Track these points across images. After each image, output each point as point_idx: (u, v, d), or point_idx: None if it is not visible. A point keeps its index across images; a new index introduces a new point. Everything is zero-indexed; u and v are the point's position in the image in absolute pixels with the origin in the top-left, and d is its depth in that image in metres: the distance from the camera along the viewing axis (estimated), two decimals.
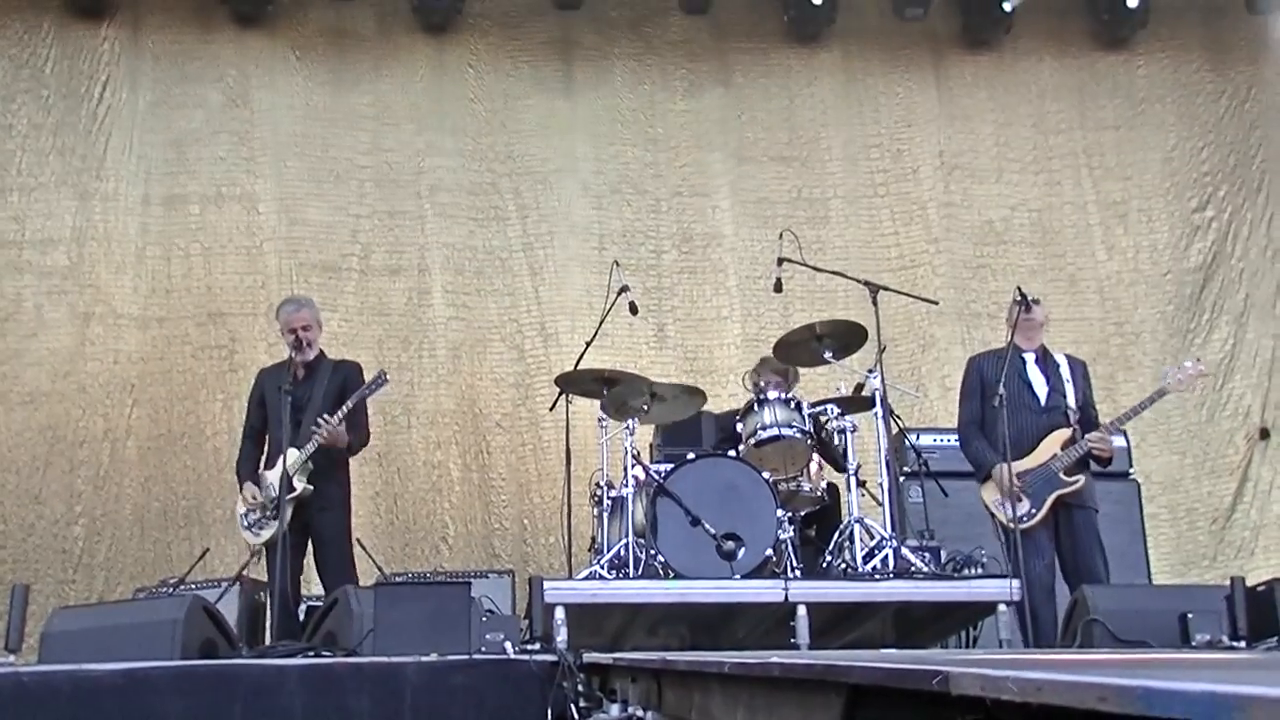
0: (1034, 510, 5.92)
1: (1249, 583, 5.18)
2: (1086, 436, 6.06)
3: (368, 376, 6.38)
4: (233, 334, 8.70)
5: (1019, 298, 6.20)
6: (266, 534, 6.19)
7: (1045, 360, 6.29)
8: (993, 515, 5.98)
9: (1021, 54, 9.81)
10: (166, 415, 8.53)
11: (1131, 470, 7.44)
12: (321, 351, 6.49)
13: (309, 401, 6.19)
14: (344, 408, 6.12)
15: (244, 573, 6.69)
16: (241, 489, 6.33)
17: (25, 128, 8.81)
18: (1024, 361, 6.24)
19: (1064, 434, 6.07)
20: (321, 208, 9.04)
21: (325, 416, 6.07)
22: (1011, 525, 5.83)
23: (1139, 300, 9.43)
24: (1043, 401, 6.16)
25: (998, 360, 6.10)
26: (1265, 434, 9.05)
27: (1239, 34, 9.82)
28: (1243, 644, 4.90)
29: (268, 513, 6.16)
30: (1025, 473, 5.95)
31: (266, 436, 6.44)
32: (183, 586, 6.81)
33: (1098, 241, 9.56)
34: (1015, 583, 5.53)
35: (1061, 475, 5.97)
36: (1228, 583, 5.25)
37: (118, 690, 3.99)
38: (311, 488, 6.10)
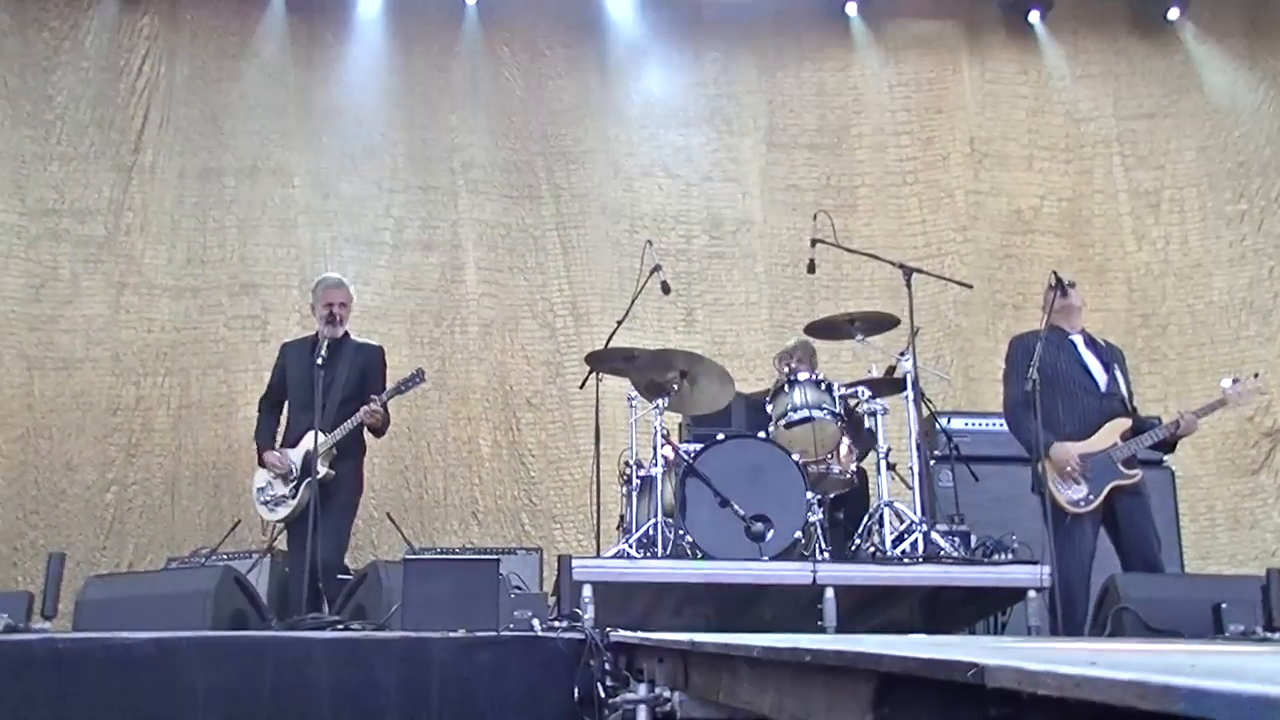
0: (1091, 496, 5.80)
1: None
2: (1181, 415, 6.00)
3: (389, 346, 6.57)
4: (265, 305, 8.76)
5: (1054, 282, 6.10)
6: (282, 512, 6.28)
7: (1094, 344, 6.19)
8: (1049, 494, 5.83)
9: (1057, 38, 9.69)
10: (199, 385, 8.60)
11: (1165, 459, 7.35)
12: (347, 332, 6.55)
13: (331, 383, 6.24)
14: (386, 394, 6.26)
15: (274, 545, 6.75)
16: (263, 457, 6.40)
17: (65, 99, 8.88)
18: (1074, 345, 6.13)
19: (1124, 424, 5.96)
20: (355, 182, 9.07)
21: (374, 400, 6.20)
22: (1069, 507, 5.75)
23: (1167, 293, 9.29)
24: (1103, 387, 6.04)
25: (1042, 341, 5.93)
26: None
27: (1277, 22, 9.59)
28: (1278, 635, 4.84)
29: (288, 488, 6.22)
30: (1085, 456, 5.83)
31: (283, 410, 6.55)
32: (214, 557, 6.88)
33: (1127, 231, 9.43)
34: (1045, 569, 5.46)
35: (1121, 466, 5.85)
36: (1262, 573, 5.19)
37: (149, 659, 4.02)
38: (334, 472, 6.17)
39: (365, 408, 6.18)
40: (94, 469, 8.36)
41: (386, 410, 6.44)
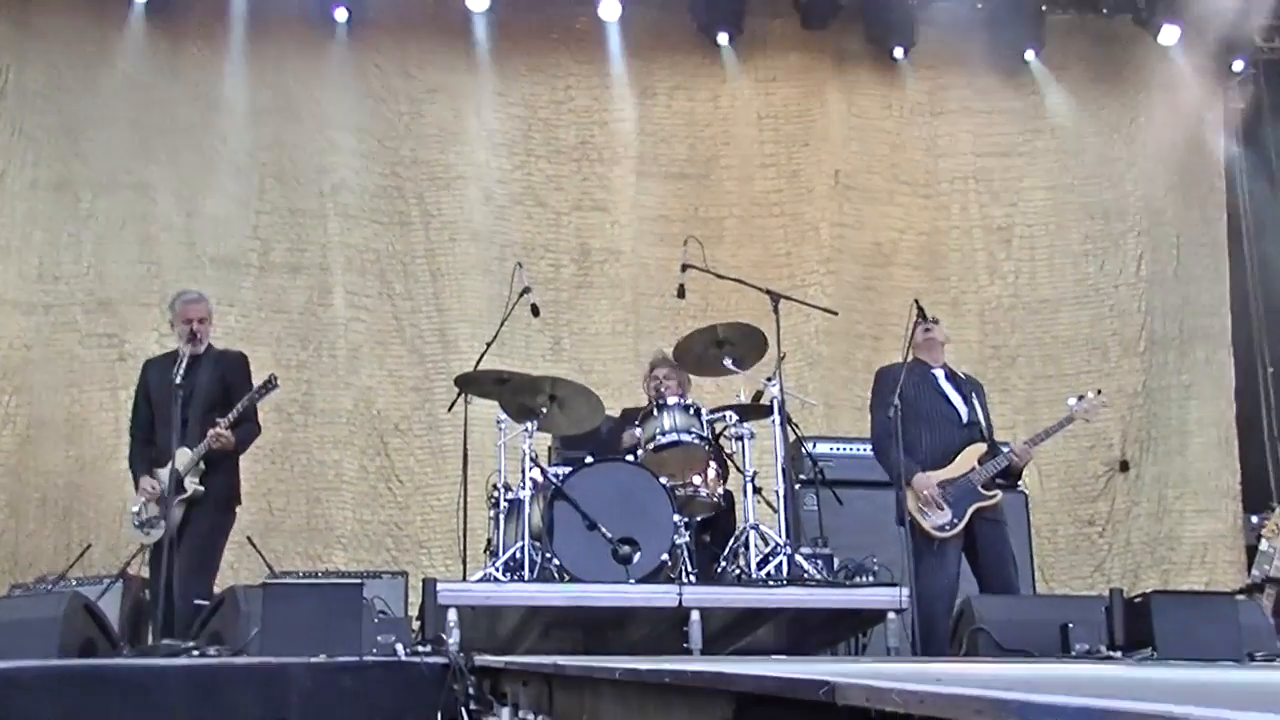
0: (955, 520, 6.02)
1: None
2: (1012, 448, 6.24)
3: (254, 368, 6.30)
4: (122, 322, 8.51)
5: (917, 311, 6.31)
6: (155, 534, 6.06)
7: (954, 377, 6.44)
8: (913, 522, 6.02)
9: (919, 75, 9.95)
10: (49, 403, 8.32)
11: (1020, 483, 7.60)
12: (210, 344, 6.38)
13: (193, 394, 6.05)
14: (233, 413, 6.03)
15: (127, 569, 6.54)
16: (138, 483, 6.18)
17: None
18: (935, 378, 6.38)
19: (981, 448, 6.22)
20: (220, 200, 8.87)
21: (218, 424, 5.97)
22: (934, 533, 5.94)
23: (1017, 325, 9.67)
24: (964, 417, 6.29)
25: (906, 372, 6.18)
26: (1125, 466, 9.41)
27: (1125, 69, 9.99)
28: (1119, 654, 5.05)
29: (160, 510, 6.02)
30: (946, 483, 6.07)
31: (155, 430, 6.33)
32: (62, 583, 6.64)
33: (981, 266, 9.77)
34: (904, 591, 5.61)
35: (980, 489, 6.10)
36: (1105, 594, 5.41)
37: None
38: (204, 488, 5.98)
39: (212, 432, 5.99)
40: None
41: (256, 424, 6.29)
